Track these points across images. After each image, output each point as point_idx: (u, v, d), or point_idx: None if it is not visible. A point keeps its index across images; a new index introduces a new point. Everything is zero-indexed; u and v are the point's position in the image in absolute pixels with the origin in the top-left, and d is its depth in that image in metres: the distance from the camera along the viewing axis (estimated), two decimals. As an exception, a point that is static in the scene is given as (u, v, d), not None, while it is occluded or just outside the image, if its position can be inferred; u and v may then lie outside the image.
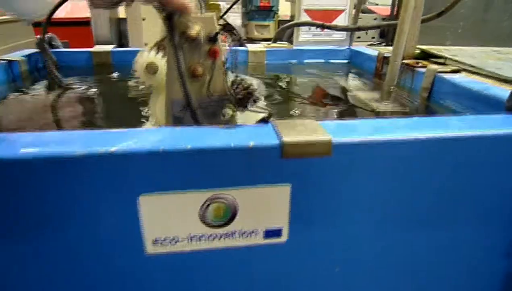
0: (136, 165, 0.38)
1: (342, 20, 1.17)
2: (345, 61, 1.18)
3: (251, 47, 1.13)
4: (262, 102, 0.82)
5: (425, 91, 0.80)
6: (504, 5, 1.01)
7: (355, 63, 1.16)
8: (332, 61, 1.17)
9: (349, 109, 0.82)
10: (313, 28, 1.15)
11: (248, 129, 0.42)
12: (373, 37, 1.74)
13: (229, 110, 0.52)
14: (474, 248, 0.52)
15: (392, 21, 1.00)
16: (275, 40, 1.18)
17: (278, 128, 0.42)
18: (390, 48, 0.92)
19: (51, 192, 0.37)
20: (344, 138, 0.41)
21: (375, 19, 1.76)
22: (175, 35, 0.47)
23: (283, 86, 1.06)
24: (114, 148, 0.37)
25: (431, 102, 0.79)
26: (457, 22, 0.99)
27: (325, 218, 0.45)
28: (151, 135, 0.39)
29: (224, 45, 0.54)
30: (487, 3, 1.00)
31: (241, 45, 2.32)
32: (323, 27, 1.09)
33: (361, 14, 1.66)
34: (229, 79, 0.52)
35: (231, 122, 0.54)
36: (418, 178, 0.45)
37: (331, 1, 1.14)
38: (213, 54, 0.51)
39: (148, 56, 0.59)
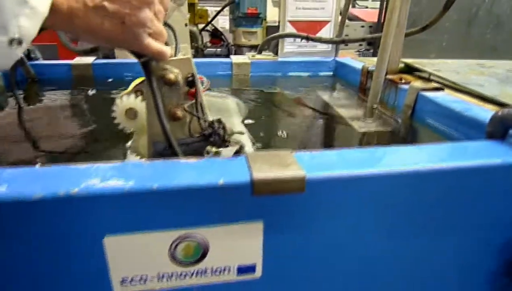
0: (99, 206, 0.36)
1: (327, 31, 1.16)
2: (330, 73, 1.17)
3: (235, 59, 1.11)
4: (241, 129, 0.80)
5: (408, 109, 0.79)
6: (487, 18, 1.01)
7: (340, 75, 1.15)
8: (317, 73, 1.16)
9: (330, 130, 0.81)
10: (298, 39, 1.14)
11: (219, 165, 0.41)
12: (361, 44, 1.73)
13: (211, 148, 0.51)
14: (457, 278, 0.51)
15: (376, 34, 1.00)
16: (260, 51, 1.17)
17: (250, 163, 0.40)
18: (376, 59, 0.91)
19: (7, 237, 0.35)
20: (319, 173, 0.40)
21: (362, 26, 1.75)
22: (153, 80, 0.46)
23: (267, 101, 1.05)
24: (75, 189, 0.35)
25: (414, 120, 0.78)
26: (442, 35, 0.98)
27: (300, 253, 0.43)
28: (115, 173, 0.38)
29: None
30: (470, 16, 1.00)
31: (229, 50, 2.31)
32: (307, 39, 1.08)
33: (347, 22, 1.66)
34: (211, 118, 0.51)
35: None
36: (396, 213, 0.44)
37: (316, 13, 1.13)
38: (192, 96, 0.49)
39: (128, 100, 0.57)
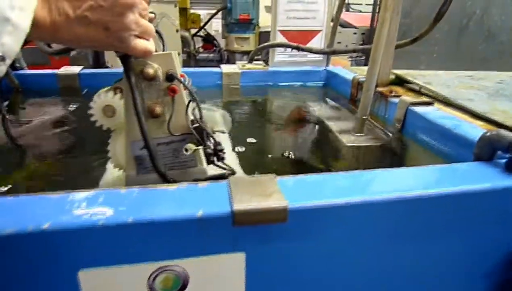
0: (73, 240, 0.35)
1: (318, 40, 1.16)
2: (321, 83, 1.16)
3: (225, 69, 1.10)
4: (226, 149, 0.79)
5: (398, 123, 0.78)
6: (478, 30, 1.00)
7: (331, 85, 1.14)
8: (308, 83, 1.15)
9: (320, 143, 0.80)
10: (289, 48, 1.13)
11: (199, 193, 0.40)
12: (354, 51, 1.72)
13: (191, 146, 0.50)
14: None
15: (367, 46, 0.99)
16: (250, 60, 1.16)
17: (231, 191, 0.39)
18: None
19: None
20: (302, 203, 0.38)
21: (354, 33, 1.75)
22: (131, 75, 0.46)
23: (257, 111, 1.04)
24: (47, 224, 0.33)
25: (404, 135, 0.77)
26: (432, 46, 0.98)
27: (284, 284, 0.42)
28: (90, 203, 0.36)
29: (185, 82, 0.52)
30: (461, 27, 0.99)
31: (221, 56, 2.30)
32: (298, 49, 1.07)
33: (340, 29, 1.65)
34: (192, 116, 0.51)
35: (194, 159, 0.52)
36: (381, 240, 0.42)
37: (307, 22, 1.12)
38: (172, 92, 0.49)
39: (106, 97, 0.55)
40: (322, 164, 0.76)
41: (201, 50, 2.30)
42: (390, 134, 0.78)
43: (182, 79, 0.50)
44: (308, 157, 0.79)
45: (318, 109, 0.97)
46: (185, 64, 2.14)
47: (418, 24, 0.95)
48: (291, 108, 1.03)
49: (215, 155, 0.48)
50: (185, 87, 0.49)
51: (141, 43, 0.43)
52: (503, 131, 0.49)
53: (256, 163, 0.76)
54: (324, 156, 0.80)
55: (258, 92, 1.12)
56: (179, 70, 0.50)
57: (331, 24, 1.15)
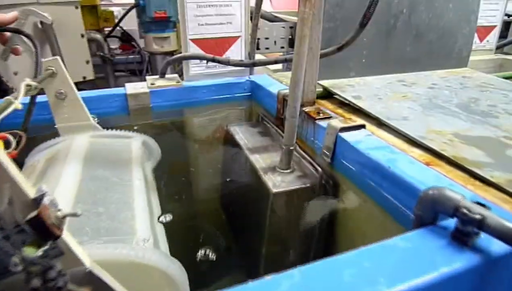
0: None
1: (238, 47, 1.02)
2: (246, 94, 1.03)
3: (130, 88, 0.92)
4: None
5: (328, 152, 0.68)
6: (406, 30, 0.93)
7: (256, 98, 1.01)
8: (231, 96, 1.01)
9: (244, 187, 0.67)
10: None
11: None
12: (282, 47, 1.61)
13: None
14: None
15: (290, 56, 0.87)
16: (161, 74, 0.99)
17: None
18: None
19: None
20: None
21: (282, 27, 1.62)
22: None
23: (173, 139, 0.89)
24: None
25: (335, 169, 0.67)
26: (360, 51, 0.89)
27: None
28: None
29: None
30: (388, 29, 0.91)
31: (142, 57, 2.07)
32: (214, 61, 0.92)
33: (267, 23, 1.53)
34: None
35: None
36: None
37: (223, 28, 0.97)
38: None
39: None
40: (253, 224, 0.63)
41: (118, 51, 2.05)
42: (319, 169, 0.67)
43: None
44: (233, 206, 0.66)
45: (239, 135, 0.84)
46: (101, 70, 1.89)
47: (344, 27, 0.85)
48: (212, 132, 0.89)
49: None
50: None
51: None
52: (447, 192, 0.39)
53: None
54: (250, 207, 0.68)
55: (174, 113, 0.96)
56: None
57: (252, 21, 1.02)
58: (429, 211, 0.41)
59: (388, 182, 0.55)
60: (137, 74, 2.03)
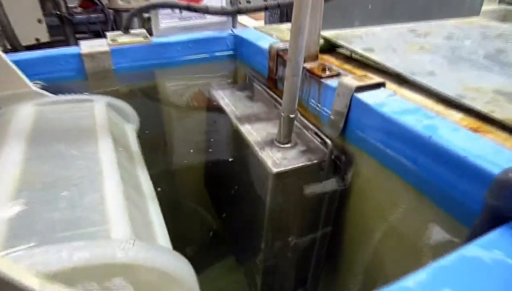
0: None
1: (217, -6, 0.84)
2: (230, 53, 0.87)
3: (85, 47, 0.74)
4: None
5: (339, 119, 0.54)
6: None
7: (242, 56, 0.85)
8: (211, 55, 0.85)
9: (237, 168, 0.53)
10: (177, 10, 0.80)
11: None
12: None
13: None
14: None
15: (286, 1, 0.71)
16: (125, 29, 0.81)
17: None
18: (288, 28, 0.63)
19: None
20: None
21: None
22: None
23: (145, 109, 0.73)
24: None
25: (348, 140, 0.53)
26: (366, -5, 0.73)
27: None
28: None
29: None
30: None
31: (106, 16, 1.83)
32: (188, 10, 0.75)
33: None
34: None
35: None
36: None
37: (197, -31, 0.79)
38: None
39: None
40: (247, 210, 0.50)
41: (78, 10, 1.80)
42: (328, 141, 0.54)
43: None
44: (227, 192, 0.52)
45: (225, 101, 0.68)
46: (59, 32, 1.66)
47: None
48: (191, 98, 0.74)
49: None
50: None
51: None
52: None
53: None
54: (247, 190, 0.54)
55: (141, 77, 0.79)
56: None
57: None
58: (509, 198, 0.28)
59: (427, 156, 0.42)
60: (102, 35, 1.80)
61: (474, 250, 0.26)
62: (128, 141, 0.58)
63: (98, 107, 0.60)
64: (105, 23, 1.80)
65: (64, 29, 1.68)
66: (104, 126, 0.55)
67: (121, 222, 0.38)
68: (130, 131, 0.62)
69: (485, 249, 0.26)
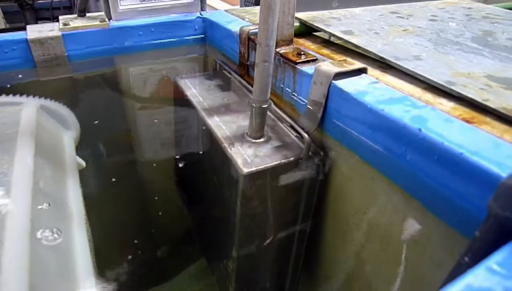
0: None
1: (183, -27, 0.76)
2: (198, 37, 0.79)
3: (33, 32, 0.66)
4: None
5: (316, 109, 0.48)
6: None
7: (211, 41, 0.78)
8: (178, 39, 0.77)
9: (203, 169, 0.47)
10: (138, -10, 0.72)
11: None
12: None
13: None
14: None
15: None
16: (80, 12, 0.72)
17: None
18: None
19: None
20: None
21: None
22: None
23: (103, 99, 0.65)
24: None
25: (327, 134, 0.48)
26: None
27: None
28: None
29: None
30: None
31: (70, 1, 1.71)
32: (150, -11, 0.67)
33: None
34: None
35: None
36: None
37: None
38: None
39: None
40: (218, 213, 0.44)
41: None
42: (305, 135, 0.48)
43: None
44: (198, 192, 0.46)
45: (192, 91, 0.62)
46: (18, 19, 1.54)
47: None
48: (156, 87, 0.66)
49: None
50: None
51: None
52: None
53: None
54: (218, 191, 0.48)
55: (99, 65, 0.71)
56: None
57: None
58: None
59: (416, 151, 0.36)
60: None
61: (483, 276, 0.21)
62: (60, 152, 0.51)
63: (26, 112, 0.52)
64: (70, 8, 1.68)
65: (24, 15, 1.55)
66: (28, 133, 0.47)
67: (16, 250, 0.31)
68: (67, 139, 0.54)
69: (499, 276, 0.21)
